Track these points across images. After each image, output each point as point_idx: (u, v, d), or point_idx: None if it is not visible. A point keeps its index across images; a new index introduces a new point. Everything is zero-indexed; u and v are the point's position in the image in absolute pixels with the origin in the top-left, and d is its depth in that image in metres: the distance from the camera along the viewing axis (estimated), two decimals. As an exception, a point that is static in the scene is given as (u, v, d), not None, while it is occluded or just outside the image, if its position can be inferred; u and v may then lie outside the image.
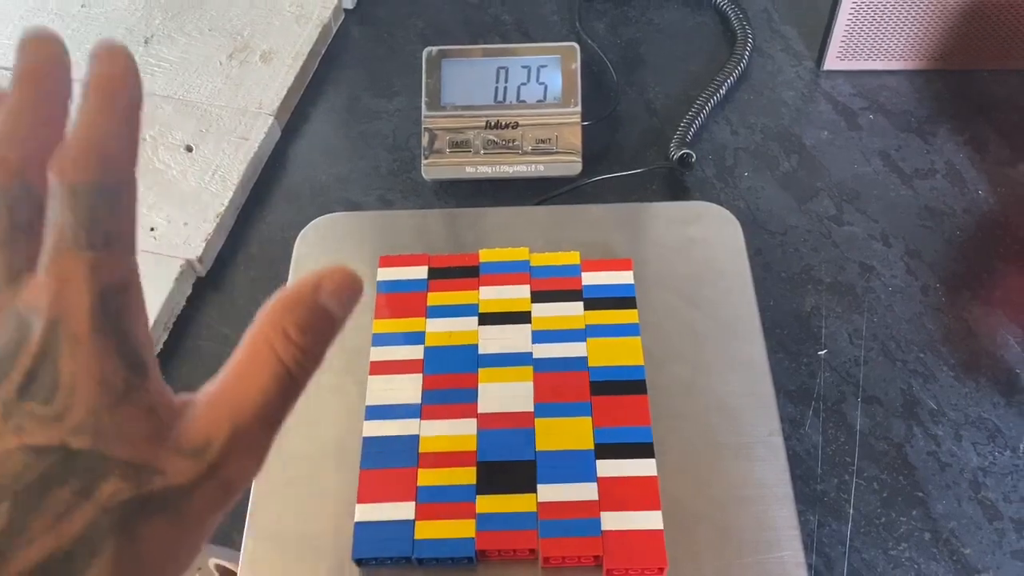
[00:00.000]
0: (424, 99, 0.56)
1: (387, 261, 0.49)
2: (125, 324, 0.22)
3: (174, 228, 0.53)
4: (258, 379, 0.23)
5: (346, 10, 0.66)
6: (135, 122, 0.24)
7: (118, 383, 0.22)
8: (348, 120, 0.60)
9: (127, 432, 0.22)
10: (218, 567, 0.64)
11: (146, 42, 0.62)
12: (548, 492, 0.40)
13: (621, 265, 0.48)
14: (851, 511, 0.43)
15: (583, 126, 0.55)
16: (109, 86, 0.23)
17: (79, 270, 0.22)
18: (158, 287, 0.50)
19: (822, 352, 0.48)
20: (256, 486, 0.42)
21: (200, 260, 0.52)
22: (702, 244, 0.49)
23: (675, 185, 0.55)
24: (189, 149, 0.56)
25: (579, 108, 0.55)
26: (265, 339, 0.23)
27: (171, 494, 0.22)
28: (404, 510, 0.40)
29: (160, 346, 0.50)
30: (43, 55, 0.24)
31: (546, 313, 0.46)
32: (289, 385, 0.24)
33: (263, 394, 0.23)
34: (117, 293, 0.22)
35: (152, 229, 0.53)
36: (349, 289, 0.25)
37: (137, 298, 0.23)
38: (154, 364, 0.23)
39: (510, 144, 0.55)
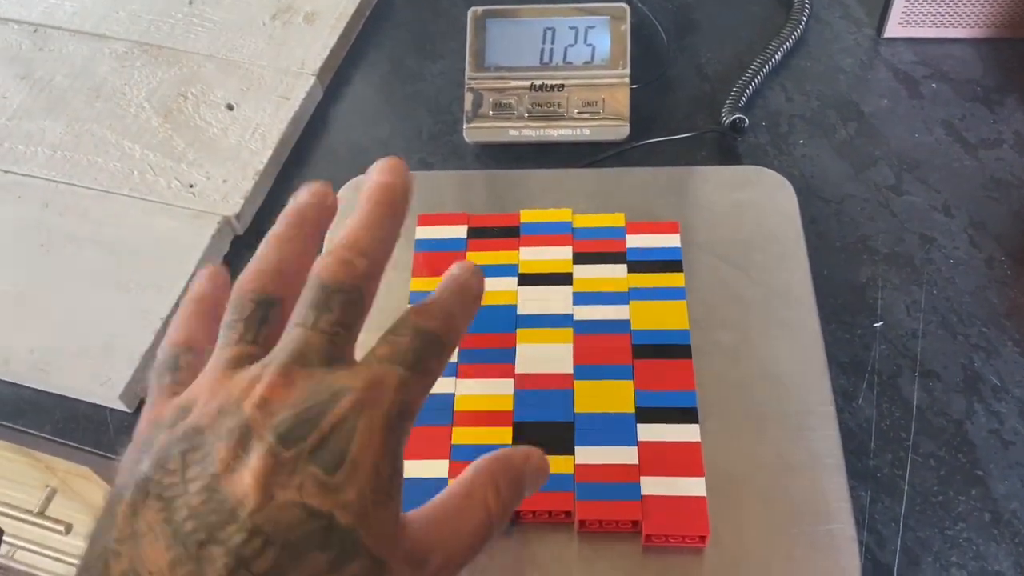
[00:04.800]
0: (468, 59, 0.54)
1: (425, 220, 0.48)
2: (401, 441, 0.26)
3: (213, 185, 0.52)
4: (470, 520, 0.28)
5: (392, -26, 0.65)
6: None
7: (385, 481, 0.25)
8: (391, 82, 0.59)
9: (379, 525, 0.24)
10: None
11: (190, 2, 0.62)
12: (586, 454, 0.38)
13: (667, 228, 0.46)
14: (906, 488, 0.41)
15: (631, 89, 0.54)
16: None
17: (393, 380, 0.26)
18: (195, 243, 0.50)
19: (878, 324, 0.46)
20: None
21: (238, 218, 0.51)
22: (753, 209, 0.47)
23: (726, 151, 0.53)
24: (230, 107, 0.56)
25: (628, 70, 0.53)
26: (482, 487, 0.28)
27: None
28: (438, 468, 0.38)
29: (196, 302, 0.49)
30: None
31: (588, 275, 0.45)
32: (489, 529, 0.28)
33: (471, 533, 0.28)
34: (408, 414, 0.26)
35: (191, 186, 0.52)
36: (543, 472, 0.30)
37: (409, 432, 0.27)
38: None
39: (555, 107, 0.54)
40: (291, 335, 0.26)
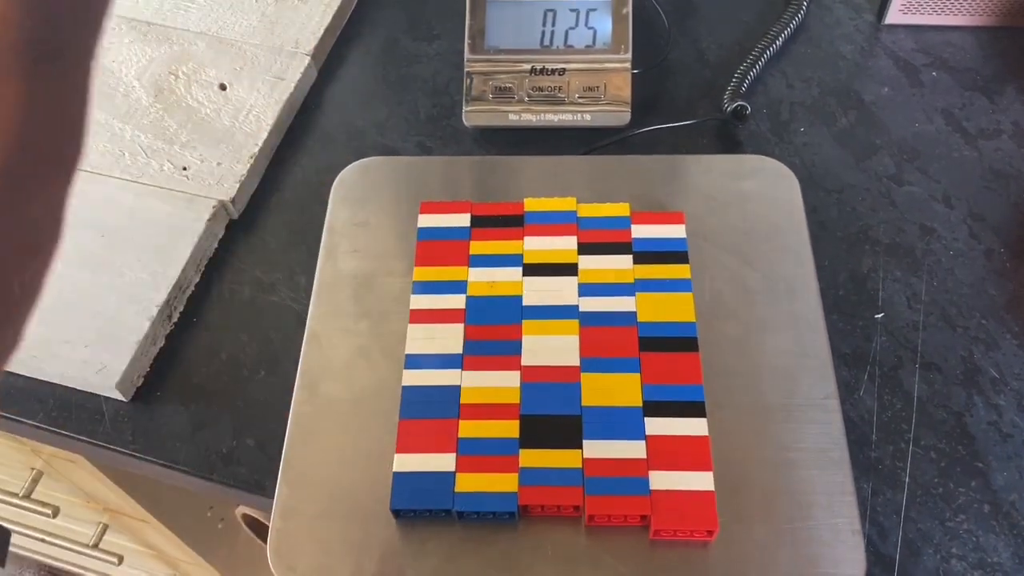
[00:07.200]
0: (467, 41, 0.54)
1: (428, 208, 0.47)
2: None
3: (207, 168, 0.51)
4: None
5: (386, -50, 0.63)
6: None
7: None
8: (386, 63, 0.58)
9: None
10: (245, 516, 0.63)
11: (180, -23, 0.60)
12: (594, 448, 0.38)
13: (673, 219, 0.46)
14: (907, 480, 0.41)
15: (633, 74, 0.53)
16: None
17: None
18: (190, 228, 0.49)
19: (879, 316, 0.46)
20: (290, 432, 0.40)
21: (233, 202, 0.50)
22: (757, 199, 0.47)
23: (727, 139, 0.53)
24: (223, 87, 0.55)
25: (629, 55, 0.53)
26: None
27: None
28: (444, 461, 0.38)
29: (191, 288, 0.48)
30: None
31: (594, 266, 0.44)
32: None
33: None
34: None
35: (185, 168, 0.51)
36: None
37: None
38: None
39: (556, 91, 0.53)
40: None
